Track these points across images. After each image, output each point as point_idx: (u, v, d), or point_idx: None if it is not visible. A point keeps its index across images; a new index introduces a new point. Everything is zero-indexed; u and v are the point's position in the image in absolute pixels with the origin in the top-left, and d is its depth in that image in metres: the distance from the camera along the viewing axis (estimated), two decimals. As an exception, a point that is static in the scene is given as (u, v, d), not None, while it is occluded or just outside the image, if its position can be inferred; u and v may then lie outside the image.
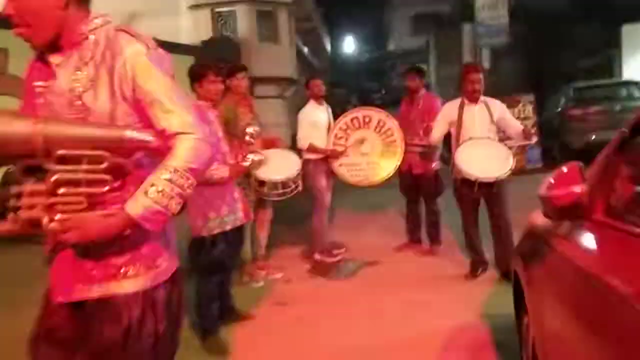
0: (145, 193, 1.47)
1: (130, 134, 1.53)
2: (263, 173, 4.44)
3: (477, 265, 4.70)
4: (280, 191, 4.52)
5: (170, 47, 12.46)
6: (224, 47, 14.67)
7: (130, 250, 1.57)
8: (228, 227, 3.40)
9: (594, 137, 9.75)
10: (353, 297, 4.44)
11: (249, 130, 3.65)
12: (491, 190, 4.34)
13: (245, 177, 4.62)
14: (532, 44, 18.07)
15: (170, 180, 1.48)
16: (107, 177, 1.50)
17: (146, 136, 1.54)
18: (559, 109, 10.68)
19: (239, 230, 3.53)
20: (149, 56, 1.54)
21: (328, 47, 34.91)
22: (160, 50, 1.61)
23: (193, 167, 1.52)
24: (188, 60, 14.06)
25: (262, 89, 16.07)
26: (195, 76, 3.44)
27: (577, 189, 1.89)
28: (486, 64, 14.51)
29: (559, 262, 1.97)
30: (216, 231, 3.35)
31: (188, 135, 1.53)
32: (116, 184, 1.53)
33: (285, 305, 4.29)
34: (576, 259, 1.78)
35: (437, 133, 4.83)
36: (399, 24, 35.21)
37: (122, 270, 1.56)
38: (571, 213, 1.90)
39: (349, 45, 40.35)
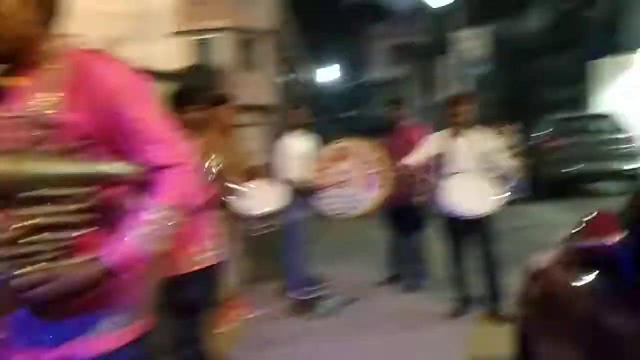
0: (129, 236, 1.27)
1: (106, 167, 1.34)
2: (244, 206, 4.25)
3: (463, 303, 4.54)
4: (259, 227, 4.33)
5: (149, 74, 12.44)
6: (204, 75, 14.58)
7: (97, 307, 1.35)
8: (205, 264, 3.18)
9: (572, 168, 9.80)
10: (335, 338, 4.22)
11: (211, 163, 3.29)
12: (477, 226, 4.21)
13: (224, 209, 4.43)
14: (511, 76, 18.38)
15: (156, 222, 1.29)
16: (86, 218, 1.30)
17: (125, 169, 1.36)
18: (540, 141, 10.74)
19: (215, 268, 3.31)
20: (130, 80, 1.37)
21: (312, 76, 35.14)
22: (141, 75, 1.44)
23: (182, 203, 1.34)
24: (167, 88, 14.03)
25: (242, 118, 15.95)
26: (181, 102, 3.22)
27: (612, 240, 1.69)
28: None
29: (589, 322, 1.77)
30: (197, 267, 3.13)
31: (177, 168, 1.35)
32: (93, 227, 1.33)
33: (263, 347, 4.05)
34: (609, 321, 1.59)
35: (416, 159, 4.66)
36: (378, 55, 35.67)
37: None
38: (607, 268, 1.69)
39: (331, 74, 40.61)
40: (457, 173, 4.32)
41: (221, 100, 4.59)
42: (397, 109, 5.39)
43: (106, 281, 1.28)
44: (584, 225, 1.89)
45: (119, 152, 1.37)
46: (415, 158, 4.64)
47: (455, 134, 4.47)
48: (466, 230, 4.30)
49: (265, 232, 4.37)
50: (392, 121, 5.40)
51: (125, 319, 1.39)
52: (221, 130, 4.52)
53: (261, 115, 17.05)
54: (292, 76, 26.39)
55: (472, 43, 15.99)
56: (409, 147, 5.10)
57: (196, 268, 3.11)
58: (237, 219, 4.34)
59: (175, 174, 1.35)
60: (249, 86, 15.90)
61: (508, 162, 4.49)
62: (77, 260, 1.27)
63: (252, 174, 4.69)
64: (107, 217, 1.36)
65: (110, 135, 1.35)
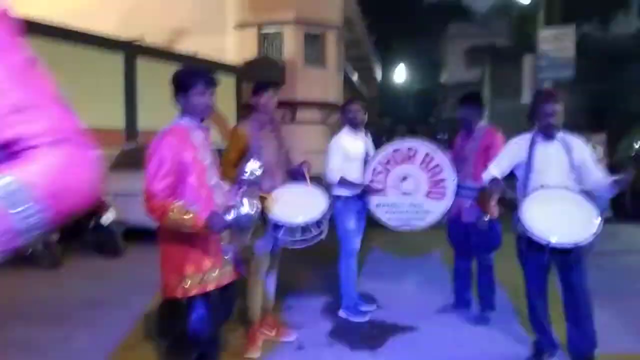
0: None
1: None
2: (278, 213, 3.58)
3: (542, 349, 3.66)
4: (299, 238, 3.62)
5: (213, 65, 12.03)
6: (267, 68, 14.12)
7: None
8: (210, 287, 2.53)
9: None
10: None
11: (251, 167, 2.60)
12: (567, 257, 3.30)
13: (259, 217, 3.79)
14: (597, 81, 16.88)
15: None
16: None
17: None
18: (633, 153, 9.45)
19: (226, 290, 2.65)
20: None
21: (378, 75, 34.23)
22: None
23: (53, 192, 0.79)
24: (230, 80, 13.69)
25: (304, 114, 15.41)
26: (181, 85, 2.60)
27: None
28: (547, 99, 13.35)
29: None
30: (194, 291, 2.49)
31: (57, 145, 0.81)
32: None
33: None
34: None
35: (495, 171, 3.74)
36: (454, 56, 34.24)
37: None
38: None
39: (400, 74, 39.50)
40: (545, 186, 3.43)
41: (264, 85, 4.01)
42: (472, 107, 4.51)
43: None
44: None
45: None
46: (495, 166, 3.77)
47: (544, 139, 3.58)
48: (552, 260, 3.41)
49: (305, 245, 3.65)
50: (466, 121, 4.53)
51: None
52: (263, 122, 3.93)
53: (325, 112, 16.40)
54: (361, 74, 25.66)
55: (555, 44, 14.63)
56: (486, 153, 4.27)
57: (202, 290, 2.46)
58: (275, 228, 3.68)
59: (51, 153, 0.80)
60: (313, 82, 15.32)
61: (604, 175, 3.51)
62: None
63: (297, 175, 4.05)
64: None
65: None
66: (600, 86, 17.08)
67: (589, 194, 3.47)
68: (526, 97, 14.62)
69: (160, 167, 2.42)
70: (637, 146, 9.66)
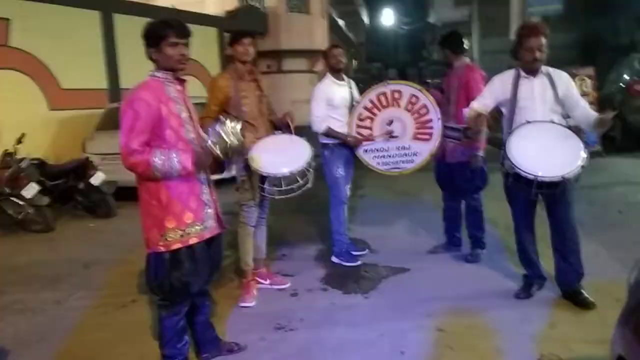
0: None
1: None
2: (262, 165, 3.56)
3: (531, 281, 3.73)
4: (284, 188, 3.62)
5: (194, 17, 11.69)
6: (249, 17, 13.75)
7: None
8: (193, 240, 2.54)
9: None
10: (373, 319, 3.53)
11: (227, 125, 2.54)
12: (554, 191, 3.31)
13: (245, 169, 3.77)
14: (587, 13, 16.57)
15: None
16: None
17: None
18: (622, 84, 9.39)
19: (212, 243, 2.66)
20: None
21: (365, 19, 33.50)
22: None
23: None
24: (212, 32, 13.35)
25: (290, 63, 15.12)
26: (152, 38, 2.52)
27: None
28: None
29: None
30: (176, 246, 2.50)
31: None
32: None
33: (287, 330, 3.42)
34: None
35: (477, 106, 3.67)
36: (441, -6, 33.42)
37: None
38: None
39: (387, 17, 38.64)
40: (530, 122, 3.40)
41: (242, 34, 3.93)
42: (451, 47, 4.41)
43: None
44: None
45: None
46: (477, 102, 3.72)
47: (528, 74, 3.52)
48: (541, 194, 3.42)
49: (291, 195, 3.64)
50: (449, 61, 4.45)
51: None
52: (243, 72, 3.86)
53: (311, 60, 16.11)
54: (347, 19, 25.13)
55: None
56: (466, 91, 4.22)
57: (184, 244, 2.47)
58: (260, 180, 3.68)
59: None
60: (297, 29, 14.97)
61: (590, 115, 3.45)
62: None
63: (281, 126, 4.01)
64: None
65: None
66: (589, 20, 16.79)
67: (576, 128, 3.46)
68: (514, 34, 14.43)
69: (135, 122, 2.37)
70: (626, 77, 9.59)
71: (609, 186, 6.70)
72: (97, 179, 6.93)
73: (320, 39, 16.01)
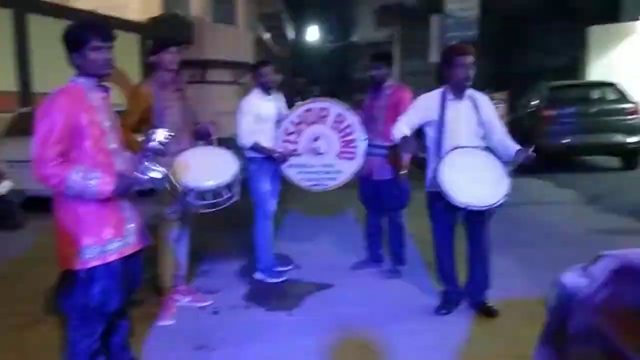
0: None
1: None
2: (188, 178, 3.45)
3: (450, 298, 3.84)
4: (209, 202, 3.52)
5: (116, 23, 11.27)
6: (174, 25, 13.45)
7: None
8: (113, 257, 2.40)
9: (567, 140, 9.14)
10: (297, 336, 3.50)
11: (160, 135, 2.44)
12: (479, 215, 3.47)
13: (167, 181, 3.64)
14: (500, 41, 17.60)
15: None
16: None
17: None
18: (532, 109, 10.00)
19: (131, 259, 2.53)
20: None
21: (290, 34, 33.70)
22: None
23: None
24: (134, 39, 12.94)
25: (215, 74, 14.92)
26: (74, 41, 2.38)
27: None
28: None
29: None
30: (94, 263, 2.36)
31: None
32: None
33: (209, 349, 3.31)
34: None
35: (404, 127, 3.73)
36: (365, 15, 34.31)
37: None
38: None
39: (312, 34, 39.13)
40: (459, 148, 3.50)
41: (169, 42, 3.83)
42: (384, 66, 4.50)
43: None
44: None
45: None
46: (404, 122, 3.80)
47: (455, 96, 3.64)
48: (465, 217, 3.56)
49: (216, 209, 3.55)
50: (377, 81, 4.53)
51: None
52: (166, 80, 3.75)
53: (236, 72, 15.98)
54: (273, 33, 25.20)
55: (460, 4, 15.04)
56: (395, 111, 4.32)
57: (102, 261, 2.34)
58: (184, 193, 3.56)
59: None
60: (223, 40, 14.82)
61: (508, 140, 3.61)
62: None
63: (203, 137, 3.92)
64: None
65: None
66: (502, 48, 17.81)
67: (492, 150, 3.61)
68: (434, 57, 15.01)
69: (52, 131, 2.22)
70: (535, 102, 10.22)
71: (519, 206, 7.07)
72: (3, 187, 6.46)
73: (245, 51, 15.94)
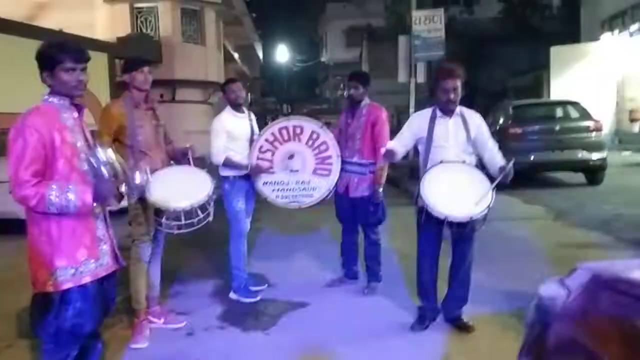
0: None
1: None
2: (160, 198, 3.41)
3: (426, 313, 3.86)
4: (183, 222, 3.48)
5: (82, 42, 11.18)
6: (143, 45, 13.38)
7: None
8: (86, 279, 2.34)
9: (533, 157, 9.34)
10: (274, 357, 3.46)
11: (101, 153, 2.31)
12: (463, 229, 3.51)
13: (139, 202, 3.59)
14: (467, 61, 18.03)
15: None
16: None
17: None
18: (497, 127, 10.22)
19: (105, 281, 2.47)
20: None
21: (260, 54, 33.90)
22: None
23: None
24: (102, 57, 12.81)
25: (184, 93, 14.87)
26: (47, 61, 2.33)
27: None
28: (420, 78, 14.06)
29: None
30: (67, 285, 2.29)
31: None
32: None
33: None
34: None
35: (399, 147, 3.77)
36: (333, 36, 34.80)
37: None
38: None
39: (282, 54, 39.43)
40: (443, 162, 3.56)
41: (142, 61, 3.82)
42: (362, 86, 4.54)
43: None
44: None
45: None
46: (396, 141, 3.84)
47: (444, 114, 3.71)
48: (448, 232, 3.60)
49: (191, 229, 3.51)
50: (353, 99, 4.57)
51: None
52: (138, 100, 3.72)
53: (206, 92, 15.96)
54: (242, 53, 25.28)
55: (427, 25, 15.36)
56: (371, 129, 4.39)
57: (76, 283, 2.28)
58: (157, 214, 3.52)
59: None
60: (192, 60, 14.80)
61: (498, 161, 3.68)
62: None
63: (180, 157, 3.90)
64: None
65: None
66: (468, 68, 18.27)
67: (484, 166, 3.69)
68: (402, 76, 15.25)
69: (25, 151, 2.17)
70: (500, 121, 10.45)
71: (489, 222, 7.17)
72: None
73: (215, 71, 15.95)
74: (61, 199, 2.19)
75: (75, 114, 2.43)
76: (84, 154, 2.34)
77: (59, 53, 2.32)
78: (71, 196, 2.22)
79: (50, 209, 2.20)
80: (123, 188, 2.40)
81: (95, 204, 2.31)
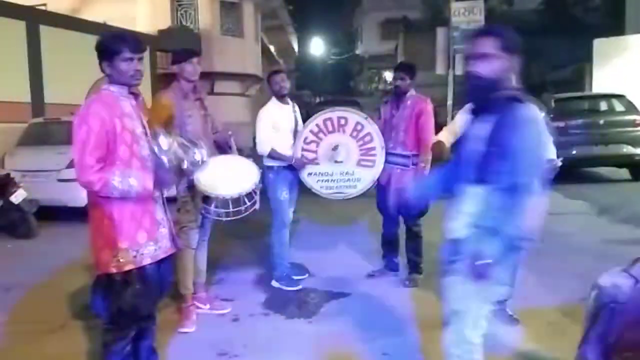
0: None
1: None
2: (209, 186, 3.48)
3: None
4: (231, 210, 3.55)
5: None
6: (182, 38, 13.59)
7: None
8: (147, 261, 2.43)
9: (575, 152, 9.14)
10: (318, 345, 3.50)
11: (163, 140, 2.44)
12: None
13: (188, 190, 3.68)
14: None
15: None
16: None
17: None
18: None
19: (163, 264, 2.56)
20: None
21: (295, 47, 33.99)
22: None
23: None
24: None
25: (223, 85, 15.04)
26: (106, 51, 2.43)
27: None
28: (459, 71, 13.91)
29: None
30: (129, 267, 2.38)
31: None
32: None
33: (230, 356, 3.32)
34: None
35: (447, 135, 3.83)
36: (369, 28, 34.62)
37: None
38: None
39: (317, 47, 39.43)
40: None
41: (192, 53, 3.91)
42: (409, 77, 4.54)
43: None
44: None
45: None
46: (448, 132, 3.85)
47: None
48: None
49: (238, 217, 3.58)
50: (400, 91, 4.57)
51: None
52: (187, 91, 3.80)
53: (244, 84, 16.11)
54: (278, 46, 25.39)
55: (466, 17, 15.15)
56: (416, 121, 4.39)
57: (137, 265, 2.37)
58: (205, 201, 3.61)
59: None
60: (231, 52, 14.96)
61: None
62: None
63: (222, 145, 3.97)
64: None
65: None
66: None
67: None
68: (440, 68, 15.10)
69: (89, 137, 2.27)
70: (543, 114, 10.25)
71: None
72: (18, 196, 6.50)
73: (253, 63, 16.09)
74: (124, 184, 2.28)
75: (134, 102, 2.51)
76: (146, 142, 2.42)
77: (118, 44, 2.41)
78: (133, 182, 2.30)
79: (113, 193, 2.29)
80: (185, 164, 2.47)
81: (154, 189, 2.39)
